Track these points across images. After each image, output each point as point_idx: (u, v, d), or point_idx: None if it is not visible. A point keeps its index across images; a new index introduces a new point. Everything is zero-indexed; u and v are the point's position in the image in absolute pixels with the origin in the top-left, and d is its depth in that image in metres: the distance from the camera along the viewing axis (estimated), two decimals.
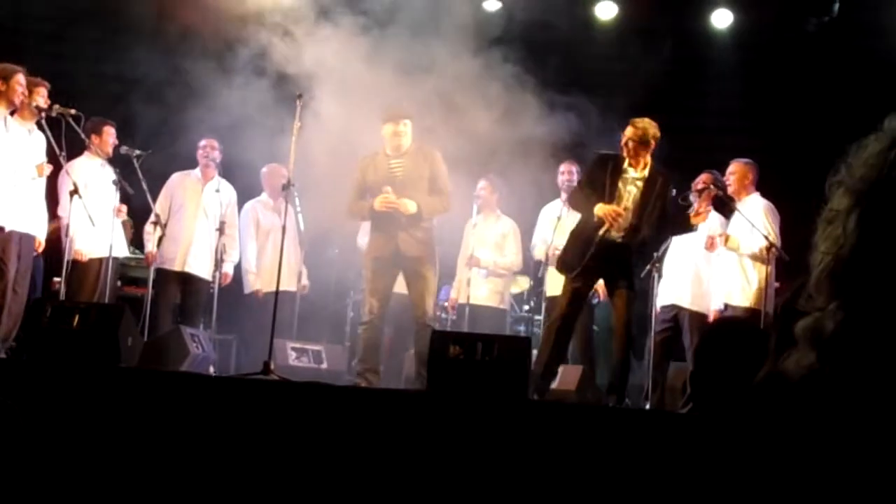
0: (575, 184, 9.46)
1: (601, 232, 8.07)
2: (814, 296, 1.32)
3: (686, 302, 9.12)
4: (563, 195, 9.72)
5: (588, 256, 8.09)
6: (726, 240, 8.86)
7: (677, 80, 11.45)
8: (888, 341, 1.23)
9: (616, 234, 8.10)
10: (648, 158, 8.20)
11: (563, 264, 8.32)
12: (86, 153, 9.36)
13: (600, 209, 8.01)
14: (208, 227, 9.85)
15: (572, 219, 8.63)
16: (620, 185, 8.17)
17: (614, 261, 8.09)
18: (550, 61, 10.17)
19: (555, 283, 9.02)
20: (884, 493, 1.26)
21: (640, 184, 8.16)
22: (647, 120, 8.22)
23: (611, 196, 8.11)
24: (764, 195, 9.06)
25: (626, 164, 8.19)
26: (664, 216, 8.19)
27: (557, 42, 10.87)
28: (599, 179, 8.19)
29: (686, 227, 8.38)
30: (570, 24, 10.75)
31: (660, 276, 8.98)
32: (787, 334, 1.41)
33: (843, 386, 1.28)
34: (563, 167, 9.94)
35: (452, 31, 9.63)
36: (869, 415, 1.26)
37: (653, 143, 8.17)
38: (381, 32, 9.70)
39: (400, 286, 8.66)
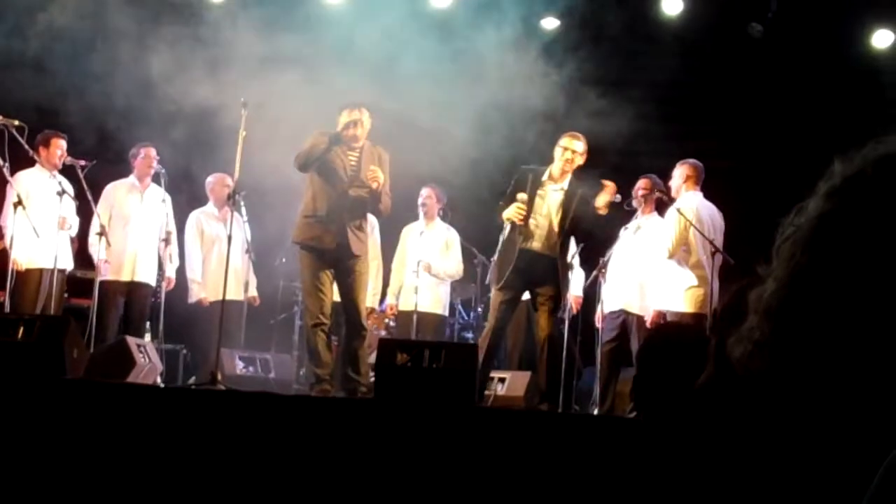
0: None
1: (520, 244, 8.24)
2: (772, 266, 1.35)
3: (633, 307, 9.13)
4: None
5: (510, 269, 8.27)
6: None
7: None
8: (822, 308, 1.26)
9: (537, 246, 8.24)
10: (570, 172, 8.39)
11: (494, 277, 8.48)
12: (36, 165, 9.26)
13: (506, 212, 8.21)
14: (150, 234, 9.79)
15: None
16: (539, 197, 8.33)
17: (538, 273, 8.20)
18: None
19: None
20: (819, 485, 1.29)
21: (559, 196, 8.30)
22: (581, 135, 8.44)
23: (530, 208, 8.28)
24: (709, 197, 9.08)
25: (545, 177, 8.35)
26: (587, 226, 8.32)
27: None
28: (521, 192, 8.35)
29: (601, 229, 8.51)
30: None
31: (605, 282, 9.02)
32: (727, 337, 1.44)
33: (773, 354, 1.31)
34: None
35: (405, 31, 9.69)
36: (806, 397, 1.29)
37: (581, 159, 8.39)
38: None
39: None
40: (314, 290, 8.24)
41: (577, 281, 9.63)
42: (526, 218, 8.23)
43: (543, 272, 8.21)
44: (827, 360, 1.26)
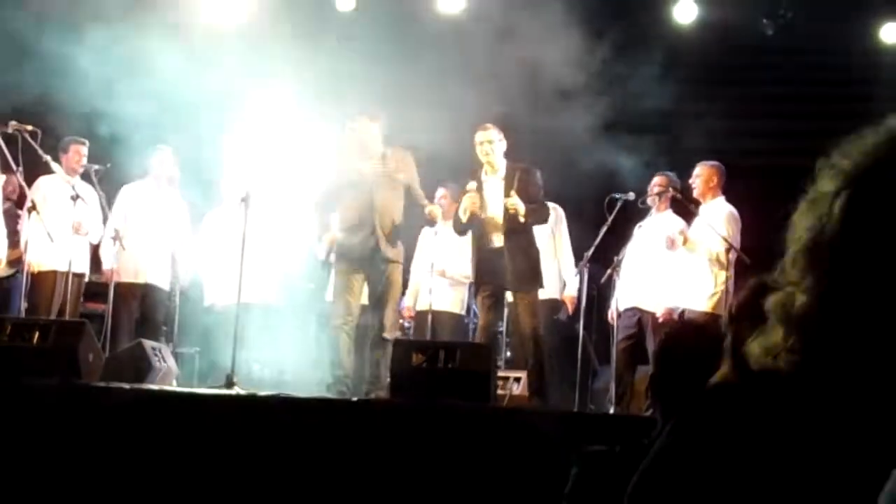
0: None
1: (479, 243, 8.40)
2: (788, 271, 1.33)
3: (648, 305, 9.09)
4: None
5: (477, 269, 8.43)
6: (685, 240, 8.81)
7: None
8: (858, 320, 1.24)
9: (495, 243, 8.33)
10: (502, 160, 8.44)
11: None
12: (58, 172, 9.24)
13: (461, 208, 8.35)
14: (166, 237, 9.79)
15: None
16: (485, 195, 8.41)
17: (502, 270, 8.24)
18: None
19: None
20: (838, 486, 1.28)
21: (499, 186, 8.40)
22: (488, 125, 8.48)
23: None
24: (727, 199, 9.06)
25: (484, 176, 8.45)
26: (533, 207, 8.30)
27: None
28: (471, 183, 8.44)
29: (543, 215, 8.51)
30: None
31: (619, 280, 8.99)
32: (742, 334, 1.43)
33: (807, 365, 1.29)
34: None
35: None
36: (832, 397, 1.27)
37: (502, 144, 8.45)
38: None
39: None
40: (342, 293, 8.42)
41: (571, 282, 9.67)
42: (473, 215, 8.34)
43: (507, 267, 8.25)
44: (863, 367, 1.24)
